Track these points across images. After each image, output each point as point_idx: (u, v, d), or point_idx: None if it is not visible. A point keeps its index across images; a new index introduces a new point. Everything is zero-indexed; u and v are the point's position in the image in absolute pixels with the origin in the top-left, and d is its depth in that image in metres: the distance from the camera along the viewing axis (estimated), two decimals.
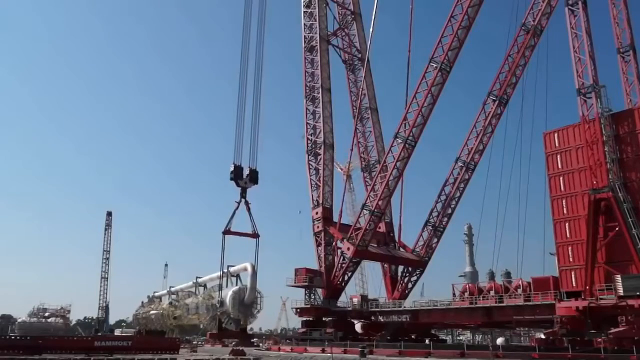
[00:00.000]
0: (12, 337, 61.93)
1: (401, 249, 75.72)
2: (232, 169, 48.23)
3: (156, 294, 79.97)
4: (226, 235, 48.22)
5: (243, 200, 49.12)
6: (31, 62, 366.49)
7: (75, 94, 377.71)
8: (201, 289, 64.51)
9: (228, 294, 50.32)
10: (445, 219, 71.18)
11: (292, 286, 68.63)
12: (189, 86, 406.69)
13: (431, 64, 62.32)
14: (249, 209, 49.01)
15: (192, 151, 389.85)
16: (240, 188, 49.06)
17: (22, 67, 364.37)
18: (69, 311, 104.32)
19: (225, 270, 50.61)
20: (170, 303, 64.58)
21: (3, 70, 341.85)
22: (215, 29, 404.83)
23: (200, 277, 59.38)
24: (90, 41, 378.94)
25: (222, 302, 51.31)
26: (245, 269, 51.71)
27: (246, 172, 48.74)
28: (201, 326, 62.25)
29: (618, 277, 42.23)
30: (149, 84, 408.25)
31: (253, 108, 50.76)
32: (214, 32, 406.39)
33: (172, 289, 68.43)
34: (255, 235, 48.61)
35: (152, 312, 70.20)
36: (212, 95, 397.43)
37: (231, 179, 48.28)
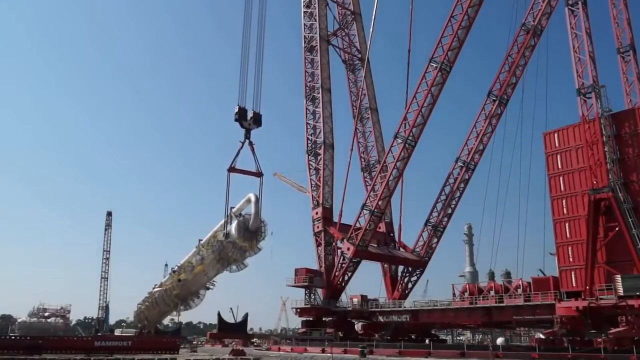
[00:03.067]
0: (12, 337, 61.84)
1: (401, 249, 75.73)
2: (236, 110, 48.40)
3: (155, 288, 79.22)
4: (231, 174, 48.58)
5: (247, 141, 49.24)
6: (48, 48, 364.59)
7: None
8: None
9: (233, 225, 50.72)
10: (446, 218, 71.28)
11: (292, 286, 68.77)
12: (200, 77, 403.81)
13: (431, 64, 62.36)
14: (252, 150, 49.48)
15: (199, 149, 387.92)
16: (244, 129, 49.26)
17: (41, 51, 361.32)
18: (69, 311, 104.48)
19: (229, 213, 50.58)
20: (175, 271, 64.11)
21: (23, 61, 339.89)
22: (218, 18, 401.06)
23: (202, 239, 59.02)
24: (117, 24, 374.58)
25: (227, 235, 51.55)
26: (248, 200, 51.97)
27: (250, 115, 48.99)
28: (206, 284, 61.41)
29: (618, 277, 42.26)
30: (159, 73, 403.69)
31: (257, 53, 50.61)
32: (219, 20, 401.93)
33: (175, 268, 67.75)
34: (259, 174, 49.08)
35: (155, 289, 69.41)
36: (221, 92, 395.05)
37: (235, 119, 48.75)
